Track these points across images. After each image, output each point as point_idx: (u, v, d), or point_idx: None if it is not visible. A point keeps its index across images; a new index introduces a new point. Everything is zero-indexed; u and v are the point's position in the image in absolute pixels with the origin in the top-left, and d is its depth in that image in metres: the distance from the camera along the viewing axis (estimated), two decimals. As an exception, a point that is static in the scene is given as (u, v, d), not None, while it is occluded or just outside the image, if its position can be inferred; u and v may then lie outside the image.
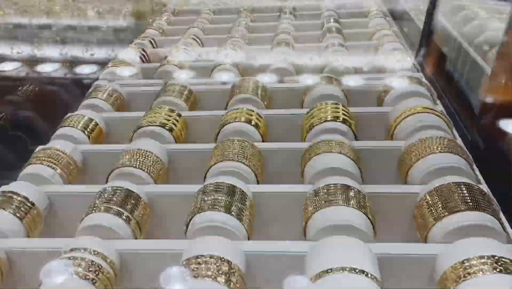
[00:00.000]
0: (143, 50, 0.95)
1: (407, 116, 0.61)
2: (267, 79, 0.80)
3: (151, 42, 1.00)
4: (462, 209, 0.44)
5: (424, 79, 0.74)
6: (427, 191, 0.48)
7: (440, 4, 1.06)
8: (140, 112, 0.70)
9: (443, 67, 0.97)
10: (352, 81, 0.77)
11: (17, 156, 0.81)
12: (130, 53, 0.92)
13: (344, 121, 0.61)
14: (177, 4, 1.34)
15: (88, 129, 0.67)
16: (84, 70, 1.13)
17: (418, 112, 0.61)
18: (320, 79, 0.73)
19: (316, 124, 0.61)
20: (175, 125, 0.66)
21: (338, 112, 0.63)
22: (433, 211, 0.46)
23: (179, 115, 0.68)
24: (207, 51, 0.96)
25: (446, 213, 0.44)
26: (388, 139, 0.63)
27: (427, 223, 0.46)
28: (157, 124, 0.64)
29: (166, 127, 0.64)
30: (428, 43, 1.11)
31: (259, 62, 0.88)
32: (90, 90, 0.78)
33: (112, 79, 0.83)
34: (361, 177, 0.54)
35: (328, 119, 0.61)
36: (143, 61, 0.93)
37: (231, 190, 0.49)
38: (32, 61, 1.18)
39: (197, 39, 1.00)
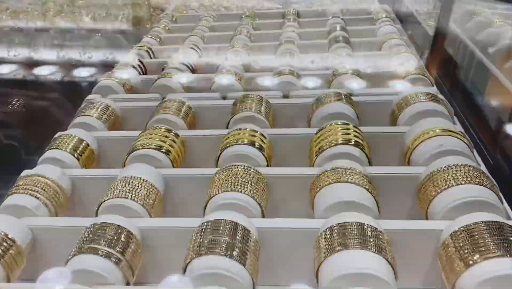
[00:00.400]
0: (140, 61, 0.89)
1: (426, 139, 0.56)
2: (271, 94, 0.75)
3: (148, 52, 0.95)
4: (497, 254, 0.39)
5: (440, 95, 0.69)
6: (453, 230, 0.43)
7: (453, 10, 1.01)
8: (135, 132, 0.65)
9: (455, 78, 0.92)
10: (362, 96, 0.72)
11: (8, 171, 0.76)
12: (125, 65, 0.87)
13: (356, 144, 0.56)
14: (176, 9, 1.29)
15: (78, 152, 0.62)
16: (81, 73, 1.09)
17: (437, 135, 0.56)
18: (329, 95, 0.68)
19: (326, 148, 0.56)
20: (172, 147, 0.61)
21: (349, 133, 0.58)
22: (462, 254, 0.40)
23: (177, 135, 0.63)
24: (207, 62, 0.91)
25: (478, 259, 0.39)
26: (404, 164, 0.58)
27: (455, 268, 0.40)
28: (152, 147, 0.59)
29: (163, 150, 0.59)
30: (438, 51, 1.06)
31: (262, 75, 0.82)
32: (82, 106, 0.73)
33: (105, 93, 0.78)
34: (378, 209, 0.48)
35: (338, 142, 0.56)
36: (139, 73, 0.88)
37: (233, 228, 0.44)
38: (29, 64, 1.14)
39: (197, 48, 0.95)
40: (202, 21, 1.13)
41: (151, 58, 0.95)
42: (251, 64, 0.88)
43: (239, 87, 0.78)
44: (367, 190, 0.49)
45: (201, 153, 0.65)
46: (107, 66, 1.02)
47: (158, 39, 1.03)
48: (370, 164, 0.56)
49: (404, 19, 1.52)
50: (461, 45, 1.02)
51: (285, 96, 0.75)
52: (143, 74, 0.89)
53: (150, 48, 0.96)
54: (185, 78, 0.82)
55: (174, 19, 1.19)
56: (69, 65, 1.13)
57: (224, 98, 0.77)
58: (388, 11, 1.12)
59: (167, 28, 1.10)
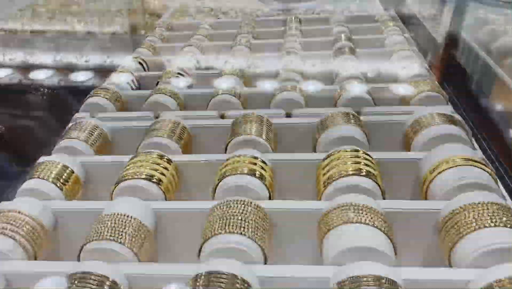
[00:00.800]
0: (132, 74, 0.84)
1: (445, 170, 0.50)
2: (272, 112, 0.69)
3: (141, 64, 0.89)
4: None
5: (456, 114, 0.63)
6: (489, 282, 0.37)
7: (465, 17, 0.95)
8: (125, 157, 0.59)
9: (470, 93, 0.86)
10: (372, 116, 0.66)
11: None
12: (117, 79, 0.82)
13: (367, 174, 0.51)
14: (173, 16, 1.23)
15: (61, 180, 0.56)
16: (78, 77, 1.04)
17: (458, 165, 0.50)
18: (336, 116, 0.62)
19: (335, 179, 0.51)
20: (164, 175, 0.55)
21: (360, 162, 0.52)
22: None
23: (170, 161, 0.57)
24: (204, 75, 0.85)
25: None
26: (420, 194, 0.53)
27: None
28: (142, 177, 0.53)
29: (153, 180, 0.54)
30: (447, 60, 1.01)
31: (263, 91, 0.77)
32: (68, 126, 0.67)
33: (94, 111, 0.73)
34: (395, 254, 0.43)
35: (349, 172, 0.51)
36: (132, 88, 0.82)
37: (230, 283, 0.38)
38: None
39: (194, 60, 0.89)
40: (200, 29, 1.07)
41: (144, 70, 0.90)
42: (251, 78, 0.83)
43: (238, 104, 0.73)
44: (383, 232, 0.43)
45: (197, 179, 0.60)
46: (102, 71, 0.98)
47: (152, 50, 0.97)
48: (383, 196, 0.51)
49: (406, 21, 1.47)
50: (473, 55, 0.96)
51: (288, 115, 0.70)
52: (136, 88, 0.83)
53: (143, 60, 0.91)
54: (181, 93, 0.76)
55: (170, 27, 1.13)
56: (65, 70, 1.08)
57: (222, 116, 0.71)
58: (395, 17, 1.07)
59: (162, 37, 1.05)
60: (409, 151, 0.60)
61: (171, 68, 0.84)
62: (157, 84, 0.81)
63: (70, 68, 1.06)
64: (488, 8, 0.99)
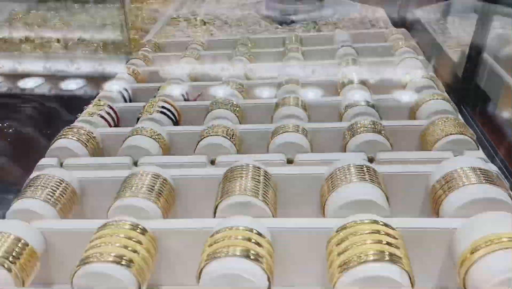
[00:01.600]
0: (110, 107, 0.73)
1: (488, 253, 0.40)
2: (271, 158, 0.59)
3: (122, 95, 0.78)
4: None
5: (492, 166, 0.52)
6: None
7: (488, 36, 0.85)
8: (93, 222, 0.48)
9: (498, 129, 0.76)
10: (388, 164, 0.56)
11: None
12: (91, 113, 0.71)
13: (391, 258, 0.40)
14: (160, 35, 1.12)
15: (10, 259, 0.45)
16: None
17: (504, 248, 0.40)
18: (348, 170, 0.52)
19: (353, 266, 0.40)
20: (137, 252, 0.44)
21: (381, 240, 0.42)
22: None
23: (144, 231, 0.47)
24: (192, 108, 0.74)
25: None
26: (456, 277, 0.43)
27: None
28: (110, 259, 0.43)
29: (123, 262, 0.43)
30: (467, 83, 0.90)
31: (259, 128, 0.66)
32: (28, 180, 0.56)
33: (63, 156, 0.62)
34: None
35: (369, 258, 0.40)
36: (109, 124, 0.71)
37: None
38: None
39: (182, 90, 0.78)
40: (189, 50, 0.96)
41: (125, 101, 0.79)
42: (247, 112, 0.72)
43: (231, 148, 0.62)
44: None
45: (179, 253, 0.49)
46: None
47: (135, 74, 0.86)
48: (412, 285, 0.40)
49: (410, 27, 1.37)
50: (497, 78, 0.86)
51: (290, 161, 0.60)
52: (114, 125, 0.73)
53: (125, 89, 0.80)
54: (164, 133, 0.66)
55: (157, 45, 1.02)
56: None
57: (212, 162, 0.61)
58: (406, 35, 0.96)
59: (147, 59, 0.94)
60: (437, 210, 0.50)
61: (155, 100, 0.73)
62: (138, 120, 0.70)
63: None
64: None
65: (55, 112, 0.86)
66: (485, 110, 0.84)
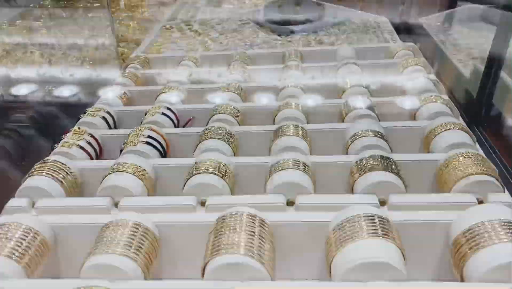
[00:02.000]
0: (92, 136, 0.66)
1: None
2: (269, 200, 0.52)
3: (105, 120, 0.71)
4: None
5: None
6: None
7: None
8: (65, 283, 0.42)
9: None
10: (404, 211, 0.49)
11: None
12: (70, 144, 0.64)
13: None
14: (151, 48, 1.05)
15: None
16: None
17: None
18: (358, 220, 0.45)
19: None
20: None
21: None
22: None
23: (122, 300, 0.40)
24: (182, 135, 0.68)
25: None
26: None
27: None
28: None
29: None
30: (482, 103, 0.84)
31: (256, 162, 0.60)
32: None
33: (35, 197, 0.55)
34: None
35: None
36: (90, 156, 0.64)
37: None
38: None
39: (170, 113, 0.72)
40: (182, 66, 0.89)
41: (110, 127, 0.72)
42: (242, 140, 0.66)
43: (224, 188, 0.55)
44: None
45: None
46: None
47: (122, 97, 0.79)
48: None
49: (412, 32, 1.31)
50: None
51: (290, 203, 0.53)
52: (96, 156, 0.66)
53: (109, 113, 0.73)
54: (150, 168, 0.59)
55: (147, 62, 0.95)
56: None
57: (202, 204, 0.54)
58: (415, 50, 0.89)
59: (136, 77, 0.87)
60: (461, 269, 0.43)
61: (140, 128, 0.66)
62: (120, 152, 0.63)
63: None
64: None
65: (32, 138, 0.79)
66: (504, 133, 0.77)
